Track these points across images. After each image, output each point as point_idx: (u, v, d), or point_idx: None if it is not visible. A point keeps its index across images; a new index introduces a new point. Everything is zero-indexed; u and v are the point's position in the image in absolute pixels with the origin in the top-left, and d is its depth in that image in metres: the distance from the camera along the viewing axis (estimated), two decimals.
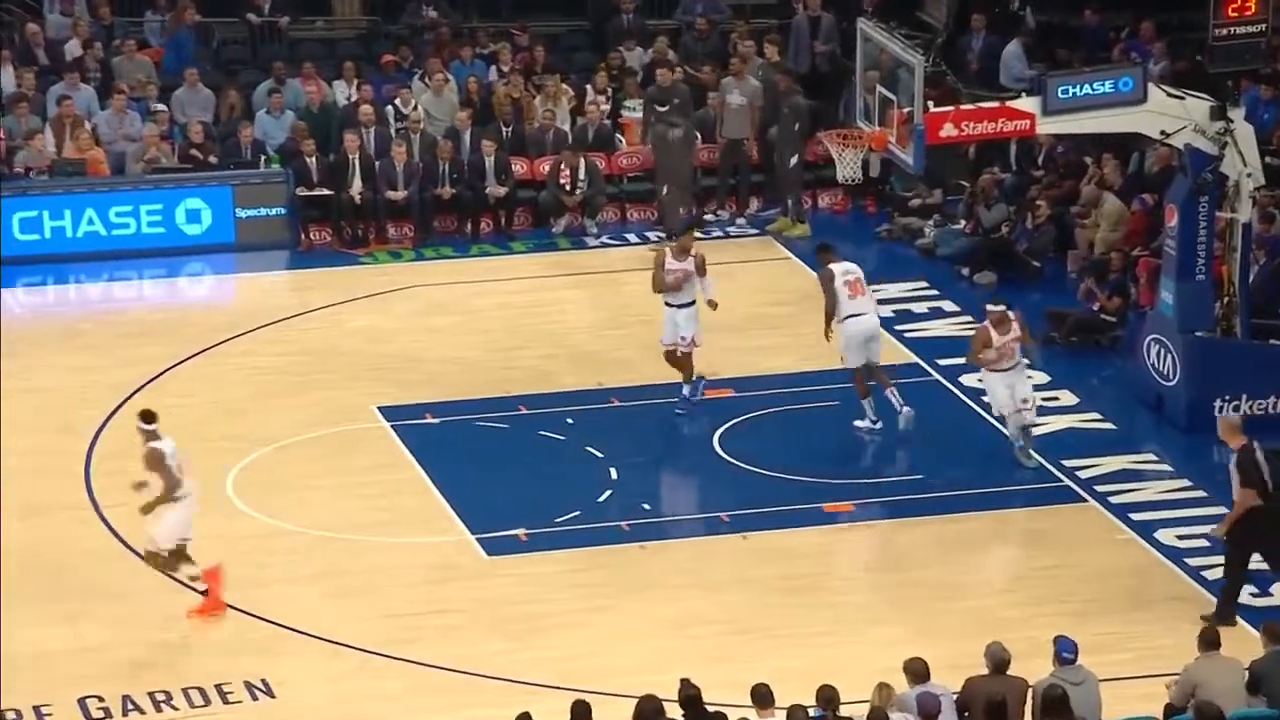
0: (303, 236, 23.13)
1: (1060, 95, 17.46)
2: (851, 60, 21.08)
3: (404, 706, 14.51)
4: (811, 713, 12.28)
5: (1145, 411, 18.86)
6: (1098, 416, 18.92)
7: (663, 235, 22.33)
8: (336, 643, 15.21)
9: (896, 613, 15.61)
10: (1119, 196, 21.82)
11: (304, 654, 15.11)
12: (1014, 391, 17.53)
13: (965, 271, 22.07)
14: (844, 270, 18.39)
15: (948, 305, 21.38)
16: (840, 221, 24.00)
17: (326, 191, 23.11)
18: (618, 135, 24.40)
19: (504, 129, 23.91)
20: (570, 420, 18.70)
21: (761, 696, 12.44)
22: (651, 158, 23.50)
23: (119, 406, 19.04)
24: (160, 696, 14.53)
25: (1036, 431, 17.86)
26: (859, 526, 17.06)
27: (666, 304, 18.63)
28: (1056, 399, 19.13)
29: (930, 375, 19.79)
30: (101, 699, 14.51)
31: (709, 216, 23.83)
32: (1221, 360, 18.43)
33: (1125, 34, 24.73)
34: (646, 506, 17.45)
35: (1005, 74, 24.17)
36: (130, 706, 14.45)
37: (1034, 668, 12.91)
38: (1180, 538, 16.55)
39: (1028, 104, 17.58)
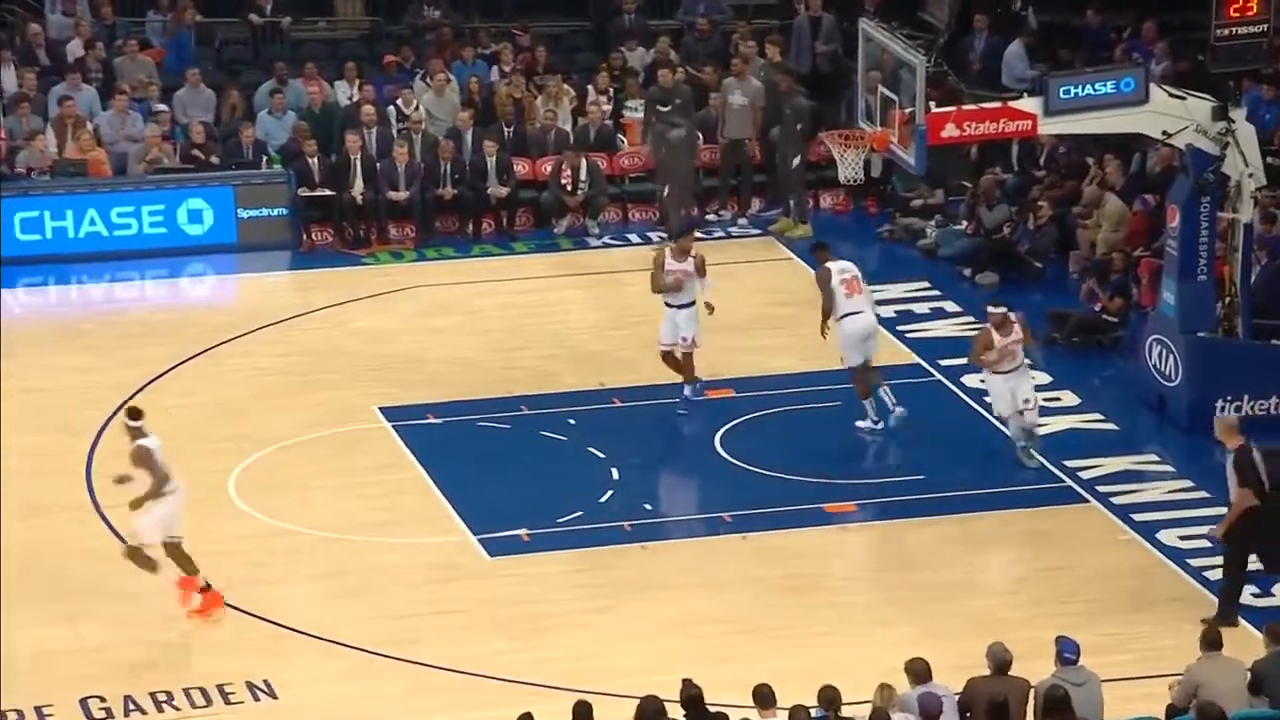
0: (304, 237, 23.13)
1: (1062, 96, 17.45)
2: (853, 60, 21.08)
3: (406, 707, 14.50)
4: (813, 713, 12.27)
5: (1147, 412, 18.85)
6: (1099, 417, 18.91)
7: (664, 235, 22.32)
8: (338, 643, 15.20)
9: (898, 613, 15.60)
10: (1121, 197, 21.81)
11: (306, 654, 15.10)
12: (1015, 393, 17.52)
13: (967, 272, 22.07)
14: (841, 269, 18.39)
15: (949, 306, 21.38)
16: (842, 222, 24.00)
17: (328, 192, 23.11)
18: (619, 136, 24.40)
19: (506, 129, 23.90)
20: (572, 421, 18.70)
21: (763, 697, 12.44)
22: (652, 158, 23.49)
23: (120, 407, 19.03)
24: (162, 697, 14.53)
25: (1039, 432, 17.83)
26: (861, 527, 17.06)
27: (666, 304, 18.64)
28: (1058, 400, 19.13)
29: (932, 376, 19.79)
30: (103, 699, 14.51)
31: (711, 217, 23.85)
32: (1223, 361, 18.43)
33: (1127, 34, 24.72)
34: (648, 507, 17.45)
35: (1007, 74, 24.16)
36: (132, 707, 14.45)
37: (1036, 668, 12.90)
38: (1182, 538, 16.54)
39: (1029, 104, 17.57)
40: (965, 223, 22.77)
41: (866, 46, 18.49)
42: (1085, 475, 17.74)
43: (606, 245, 23.17)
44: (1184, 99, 17.80)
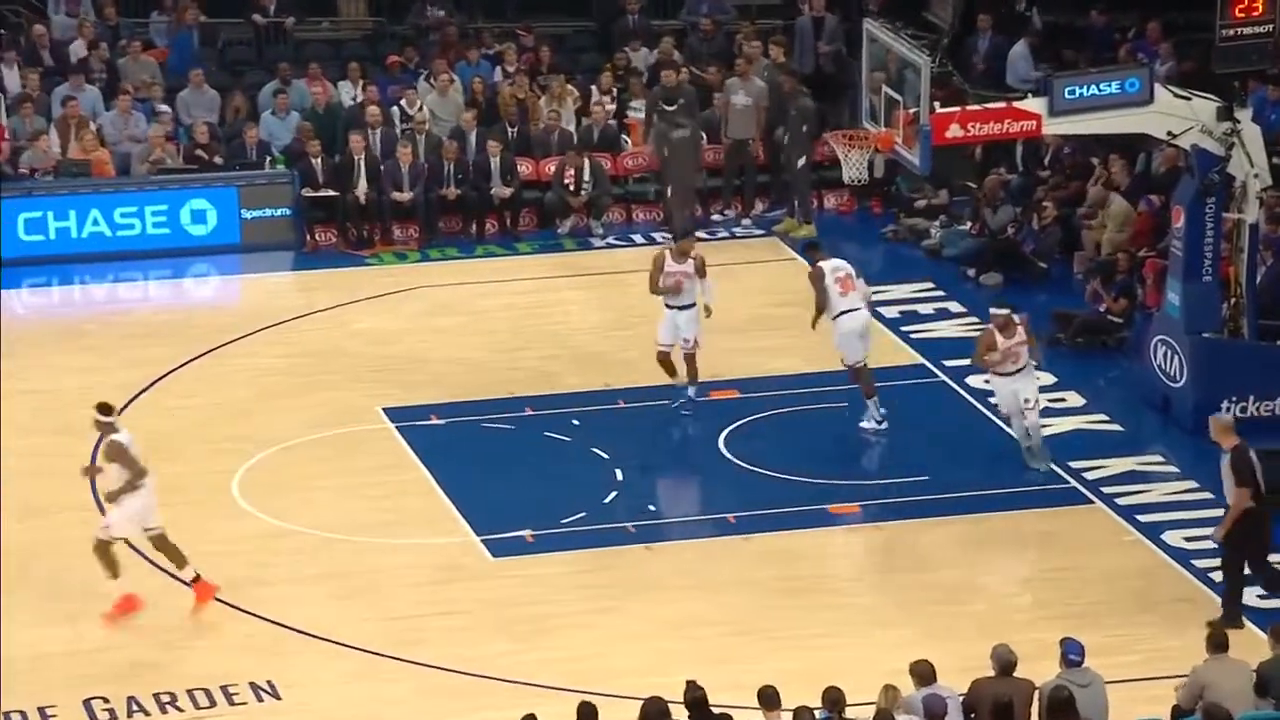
0: (308, 237, 23.12)
1: (1067, 96, 17.42)
2: (856, 61, 21.05)
3: (409, 707, 14.49)
4: (817, 714, 12.25)
5: (1152, 413, 18.82)
6: (1104, 418, 18.89)
7: (669, 236, 22.30)
8: (341, 644, 15.19)
9: (902, 614, 15.58)
10: (1126, 197, 21.78)
11: (309, 655, 15.09)
12: (1018, 394, 17.48)
13: (971, 273, 22.04)
14: (834, 267, 18.39)
15: (954, 306, 21.36)
16: (846, 222, 23.99)
17: (332, 192, 23.10)
18: (623, 136, 24.38)
19: (509, 130, 23.89)
20: (576, 421, 18.68)
21: (768, 698, 12.42)
22: (655, 158, 23.46)
23: (124, 407, 19.02)
24: (165, 698, 14.52)
25: (1044, 433, 17.78)
26: (865, 528, 17.03)
27: (667, 305, 18.62)
28: (1063, 400, 19.11)
29: (936, 376, 19.77)
30: (106, 700, 14.49)
31: (715, 217, 23.83)
32: (1228, 361, 18.40)
33: (1132, 34, 24.71)
34: (652, 508, 17.44)
35: (1012, 74, 24.14)
36: (135, 708, 14.44)
37: (1040, 669, 12.88)
38: (1187, 539, 16.51)
39: (1034, 105, 17.55)
40: (970, 223, 22.74)
41: (871, 47, 18.48)
42: (1090, 476, 17.72)
43: (610, 246, 23.16)
44: (1189, 99, 17.78)
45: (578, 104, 24.44)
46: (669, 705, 12.26)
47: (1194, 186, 18.06)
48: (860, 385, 18.42)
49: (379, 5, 26.65)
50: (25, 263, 22.31)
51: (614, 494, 17.48)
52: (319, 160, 23.13)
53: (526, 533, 16.77)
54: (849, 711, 12.38)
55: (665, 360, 18.70)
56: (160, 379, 19.67)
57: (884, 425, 18.41)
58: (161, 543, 15.38)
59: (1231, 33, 17.83)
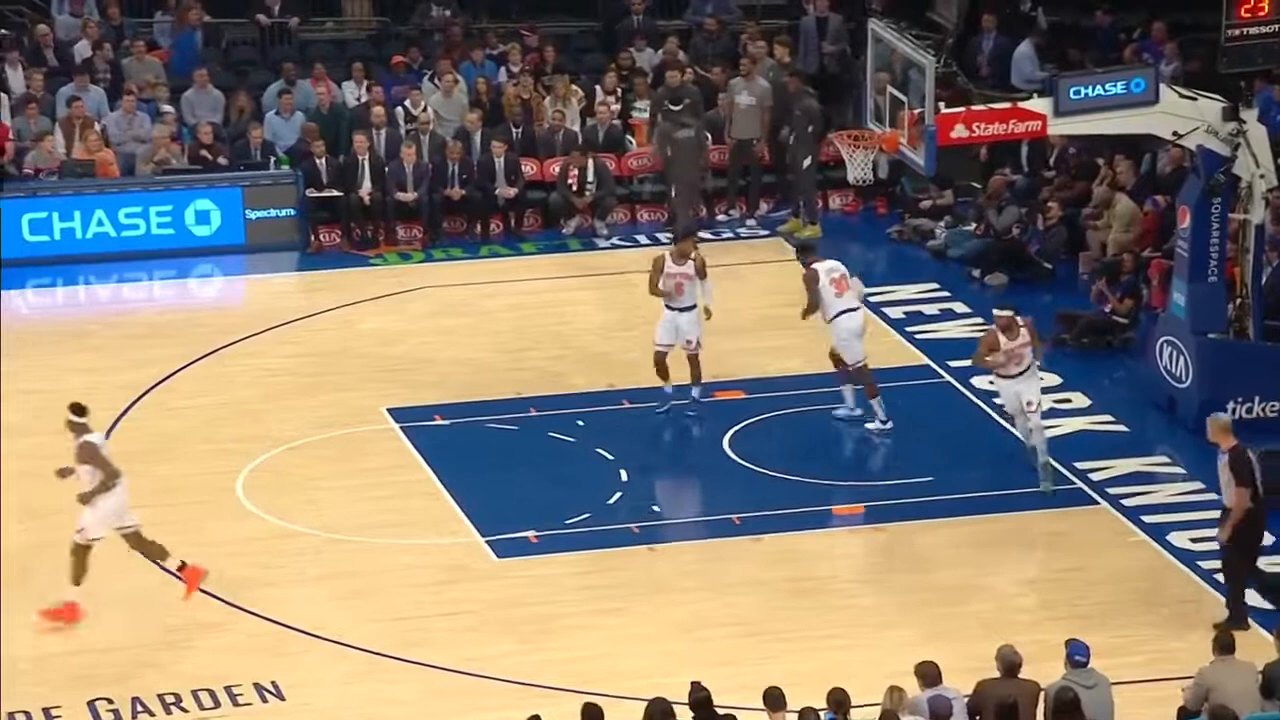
0: (312, 238, 23.12)
1: (1072, 96, 17.39)
2: (860, 60, 21.03)
3: (414, 708, 14.48)
4: (822, 716, 12.23)
5: (1157, 414, 18.80)
6: (1110, 419, 18.86)
7: (672, 236, 22.28)
8: (346, 644, 15.18)
9: (907, 616, 15.56)
10: (1131, 197, 21.75)
11: (313, 655, 15.08)
12: (1021, 396, 17.41)
13: (976, 273, 22.02)
14: (828, 269, 18.38)
15: (959, 307, 21.33)
16: (851, 223, 23.97)
17: (336, 193, 23.09)
18: (628, 136, 24.37)
19: (514, 130, 23.88)
20: (581, 422, 18.67)
21: (774, 699, 12.41)
22: (658, 159, 23.44)
23: (128, 408, 19.03)
24: (170, 699, 14.51)
25: (1049, 434, 17.74)
26: (869, 529, 17.01)
27: (668, 307, 18.60)
28: (1069, 401, 19.08)
29: (941, 377, 19.74)
30: (110, 701, 14.48)
31: (720, 217, 23.82)
32: (1234, 362, 18.37)
33: (1137, 35, 24.68)
34: (656, 509, 17.42)
35: (1017, 75, 24.12)
36: (140, 708, 14.43)
37: (1046, 671, 12.86)
38: (1193, 540, 16.49)
39: (1039, 105, 17.52)
40: (975, 224, 22.71)
41: (875, 47, 18.46)
42: (1095, 477, 17.69)
43: (615, 246, 23.14)
44: (1195, 100, 17.75)
45: (582, 104, 24.42)
46: (673, 706, 12.24)
47: (1199, 187, 18.03)
48: (862, 385, 18.40)
49: (383, 5, 26.65)
50: (30, 263, 22.31)
51: (618, 495, 17.47)
52: (323, 161, 23.12)
53: (531, 533, 16.75)
54: (854, 713, 12.36)
55: (661, 361, 18.67)
56: (164, 380, 19.67)
57: (889, 425, 18.39)
58: (137, 540, 15.35)
59: (1237, 33, 17.80)
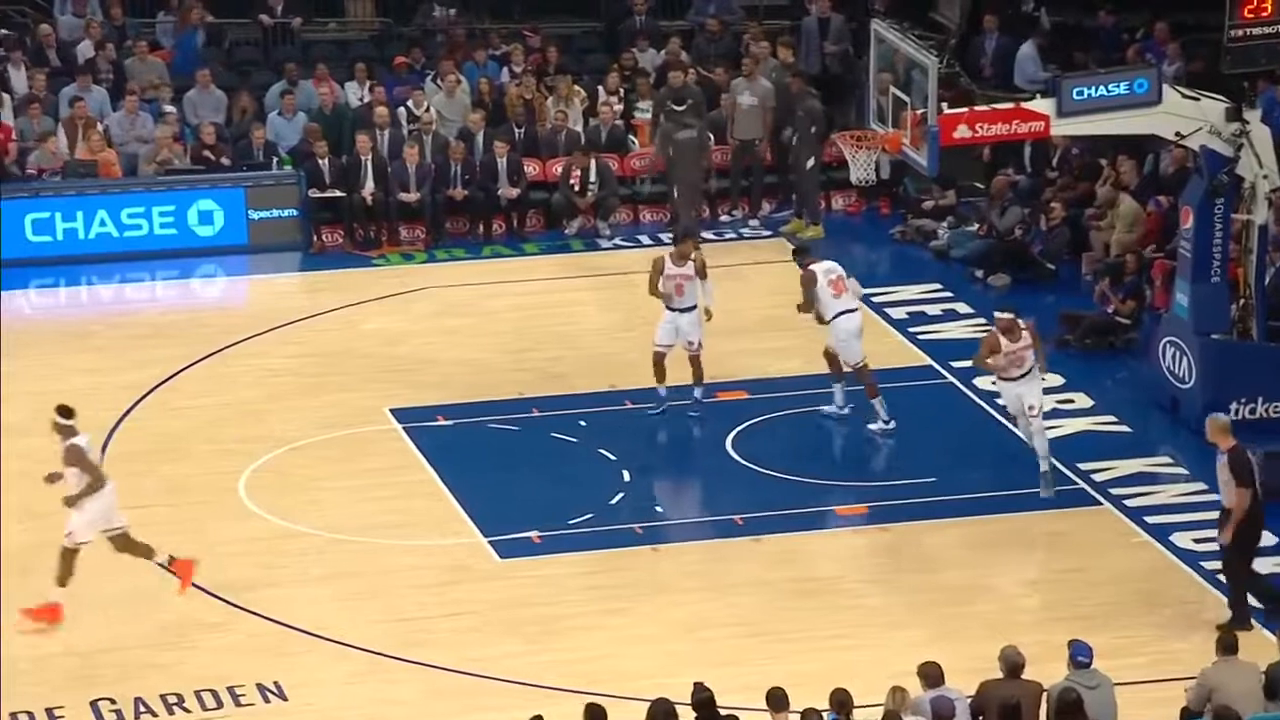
0: (315, 238, 23.11)
1: (1075, 97, 17.38)
2: (862, 61, 21.02)
3: (416, 709, 14.47)
4: (825, 716, 12.23)
5: (1160, 414, 18.79)
6: (1113, 419, 18.85)
7: (673, 237, 22.28)
8: (348, 645, 15.18)
9: (910, 616, 15.55)
10: (1134, 198, 21.74)
11: (316, 656, 15.08)
12: (1023, 399, 17.36)
13: (979, 274, 22.01)
14: (826, 270, 18.39)
15: (961, 308, 21.32)
16: (854, 223, 23.97)
17: (339, 193, 23.09)
18: (630, 137, 24.36)
19: (516, 130, 23.88)
20: (583, 422, 18.66)
21: (776, 700, 12.40)
22: (660, 159, 23.41)
23: (131, 408, 19.04)
24: (172, 699, 14.51)
25: (1052, 435, 17.72)
26: (872, 529, 17.00)
27: (668, 308, 18.59)
28: (1071, 402, 19.07)
29: (944, 378, 19.74)
30: (113, 701, 14.48)
31: (723, 218, 23.82)
32: (1237, 363, 18.36)
33: (1140, 35, 24.67)
34: (659, 509, 17.42)
35: (1019, 75, 24.12)
36: (142, 709, 14.43)
37: (1049, 671, 12.86)
38: (1196, 541, 16.47)
39: (1042, 105, 17.51)
40: (977, 224, 22.70)
41: (878, 48, 18.45)
42: (1098, 478, 17.68)
43: (617, 247, 23.14)
44: (1198, 100, 17.74)
45: (585, 105, 24.42)
46: (675, 706, 12.24)
47: (1203, 187, 18.02)
48: (865, 387, 18.39)
49: (386, 6, 26.64)
50: (33, 263, 22.31)
51: (621, 495, 17.46)
52: (326, 161, 23.12)
53: (534, 534, 16.75)
54: (856, 713, 12.35)
55: (660, 362, 18.66)
56: (167, 380, 19.66)
57: (892, 425, 18.38)
58: (124, 542, 15.32)
59: (1240, 33, 17.79)
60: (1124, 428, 18.71)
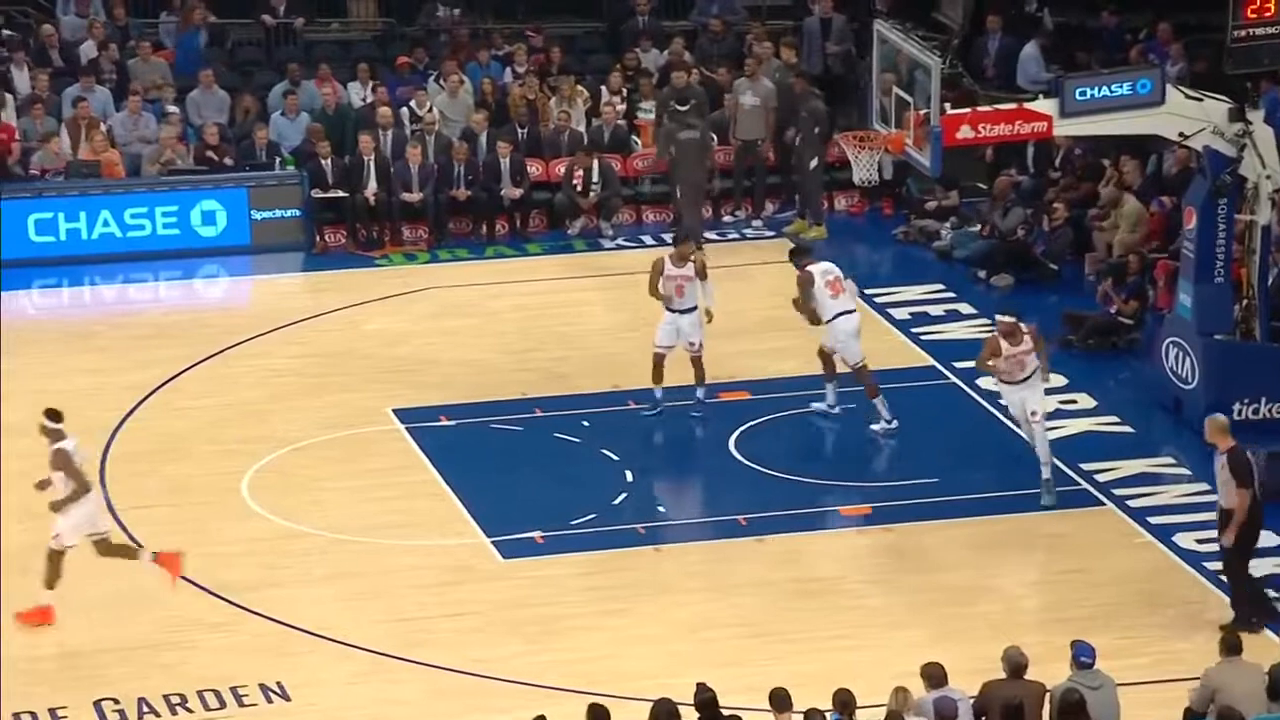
0: (318, 239, 23.12)
1: (1078, 97, 17.38)
2: (865, 61, 21.02)
3: (419, 709, 14.47)
4: (828, 717, 12.22)
5: (1163, 415, 18.78)
6: (1116, 420, 18.85)
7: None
8: (351, 645, 15.18)
9: (913, 617, 15.54)
10: (1138, 198, 21.72)
11: (318, 656, 15.08)
12: (1025, 404, 17.30)
13: (982, 274, 22.00)
14: (823, 270, 18.39)
15: (964, 308, 21.32)
16: (856, 224, 23.97)
17: (341, 193, 23.10)
18: (633, 137, 24.36)
19: (519, 130, 23.88)
20: (586, 423, 18.66)
21: (779, 700, 12.40)
22: (662, 160, 23.40)
23: (134, 409, 19.04)
24: (175, 699, 14.51)
25: (1054, 435, 17.71)
26: (875, 530, 16.99)
27: (669, 309, 18.58)
28: (1074, 402, 19.06)
29: (947, 378, 19.73)
30: (117, 701, 14.48)
31: (726, 218, 23.81)
32: (1240, 363, 18.36)
33: (1143, 35, 24.67)
34: (662, 509, 17.42)
35: (1022, 76, 24.11)
36: (146, 709, 14.43)
37: (1052, 672, 12.85)
38: (1199, 541, 16.46)
39: (1045, 106, 17.51)
40: (980, 225, 22.69)
41: (881, 48, 18.44)
42: (1101, 478, 17.67)
43: (620, 247, 23.14)
44: (1201, 100, 17.74)
45: (588, 105, 24.42)
46: (678, 707, 12.24)
47: (1206, 188, 18.01)
48: (865, 387, 18.39)
49: (389, 6, 26.65)
50: (36, 264, 22.31)
51: (624, 495, 17.46)
52: (328, 161, 23.12)
53: (536, 534, 16.74)
54: (859, 714, 12.35)
55: (659, 363, 18.65)
56: (170, 380, 19.67)
57: (894, 424, 18.37)
58: (107, 546, 15.30)
59: (1243, 34, 17.79)
60: (1127, 428, 18.70)
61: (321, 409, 18.98)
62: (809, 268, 18.39)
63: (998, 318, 17.60)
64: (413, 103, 23.95)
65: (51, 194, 22.76)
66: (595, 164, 23.33)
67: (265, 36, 25.70)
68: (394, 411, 18.92)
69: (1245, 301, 18.43)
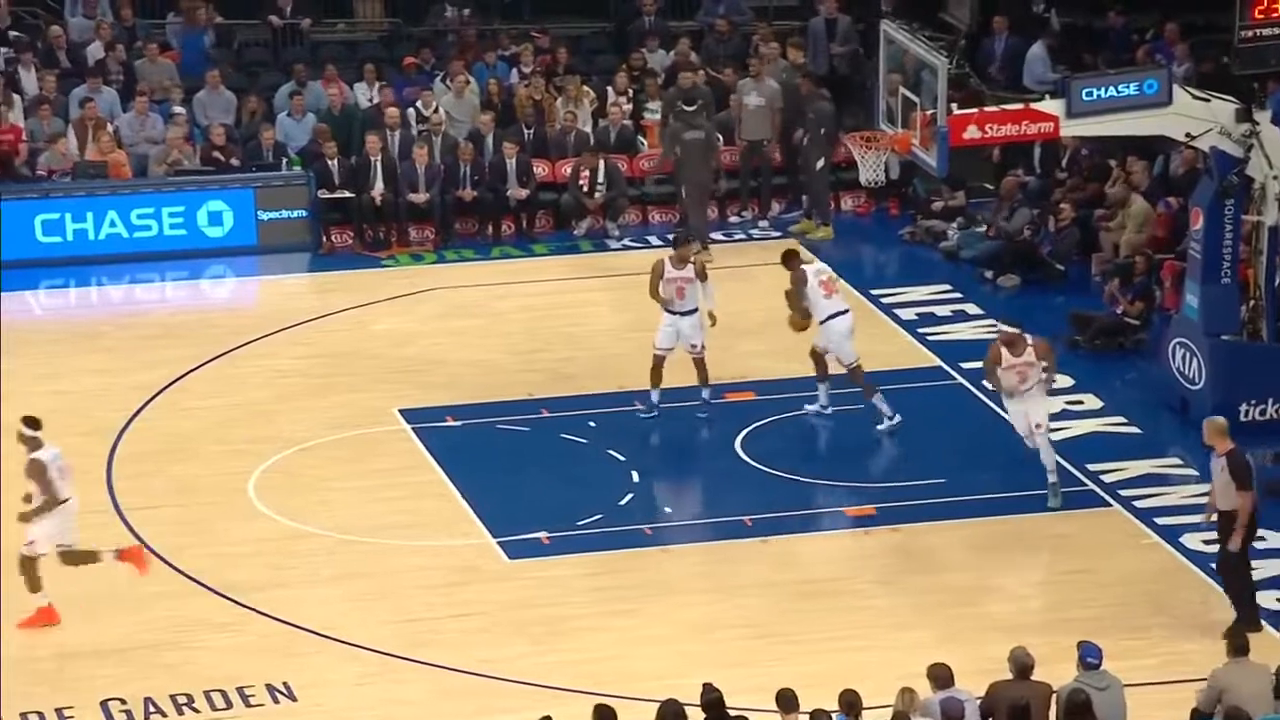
0: (324, 239, 23.13)
1: (1084, 98, 17.38)
2: (871, 61, 21.01)
3: (425, 710, 14.47)
4: (834, 717, 12.22)
5: (1170, 415, 18.77)
6: (1122, 420, 18.84)
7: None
8: (357, 645, 15.18)
9: (920, 617, 15.54)
10: (1145, 199, 21.71)
11: (325, 656, 15.08)
12: (1029, 415, 17.19)
13: (989, 274, 22.00)
14: (816, 271, 18.41)
15: (971, 309, 21.31)
16: (863, 224, 23.96)
17: (348, 194, 23.11)
18: (639, 137, 24.36)
19: (525, 131, 23.88)
20: (592, 423, 18.66)
21: (786, 701, 12.39)
22: (668, 160, 23.38)
23: (141, 409, 19.05)
24: (182, 699, 14.52)
25: (1061, 436, 17.70)
26: (881, 530, 16.99)
27: (669, 311, 18.58)
28: (1081, 403, 19.05)
29: (953, 379, 19.72)
30: (124, 701, 14.49)
31: (732, 219, 23.81)
32: (1247, 364, 18.35)
33: (1150, 36, 24.65)
34: (668, 510, 17.42)
35: (1029, 76, 24.10)
36: (152, 709, 14.44)
37: (1058, 673, 12.85)
38: (1206, 542, 16.42)
39: (1052, 106, 17.51)
40: (986, 225, 22.68)
41: (888, 48, 18.44)
42: (1108, 479, 17.66)
43: (626, 247, 23.14)
44: (1208, 101, 17.73)
45: (594, 105, 24.43)
46: (684, 707, 12.24)
47: (1213, 188, 18.01)
48: (861, 388, 18.38)
49: (395, 7, 26.66)
50: (43, 264, 22.33)
51: (630, 496, 17.46)
52: (335, 162, 23.14)
53: (542, 535, 16.75)
54: (865, 715, 12.34)
55: (658, 366, 18.63)
56: (177, 380, 19.68)
57: (897, 419, 18.35)
58: (70, 556, 15.24)
59: (1250, 34, 17.79)
60: (1133, 429, 18.69)
61: (328, 409, 18.99)
62: (802, 267, 18.41)
63: (1000, 327, 17.47)
64: (419, 103, 23.96)
65: (58, 194, 22.78)
66: (601, 164, 23.33)
67: (272, 37, 25.71)
68: (400, 412, 18.92)
69: (1252, 302, 18.41)
